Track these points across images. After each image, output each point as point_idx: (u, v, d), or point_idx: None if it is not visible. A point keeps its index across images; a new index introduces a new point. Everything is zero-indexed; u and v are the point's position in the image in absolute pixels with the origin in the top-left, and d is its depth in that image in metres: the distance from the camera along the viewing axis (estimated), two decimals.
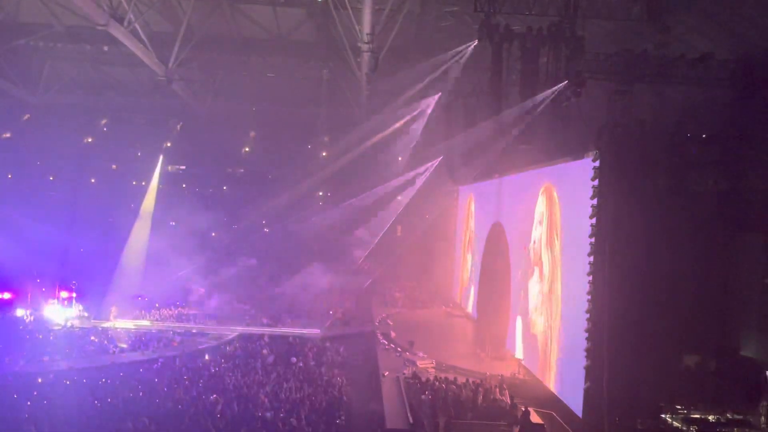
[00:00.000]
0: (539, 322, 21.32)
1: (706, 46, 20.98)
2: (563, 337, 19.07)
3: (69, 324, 29.29)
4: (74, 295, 32.12)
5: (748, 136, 17.68)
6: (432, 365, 23.85)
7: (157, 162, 41.19)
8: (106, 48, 32.56)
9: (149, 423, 17.25)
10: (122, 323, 29.93)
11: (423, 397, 19.49)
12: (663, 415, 16.78)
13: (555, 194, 20.41)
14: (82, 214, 40.39)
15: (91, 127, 42.61)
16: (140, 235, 37.70)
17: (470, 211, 36.67)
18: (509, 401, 18.97)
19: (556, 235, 19.82)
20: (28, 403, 18.81)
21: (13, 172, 41.94)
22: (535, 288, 21.92)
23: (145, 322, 30.52)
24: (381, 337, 27.95)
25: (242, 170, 43.98)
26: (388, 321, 31.74)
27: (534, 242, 22.18)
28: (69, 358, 24.48)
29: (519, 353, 22.99)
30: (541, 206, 21.60)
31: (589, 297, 17.08)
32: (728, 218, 17.15)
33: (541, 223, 21.52)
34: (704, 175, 17.46)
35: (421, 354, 25.10)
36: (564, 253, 19.25)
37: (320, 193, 43.82)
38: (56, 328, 28.73)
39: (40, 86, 38.25)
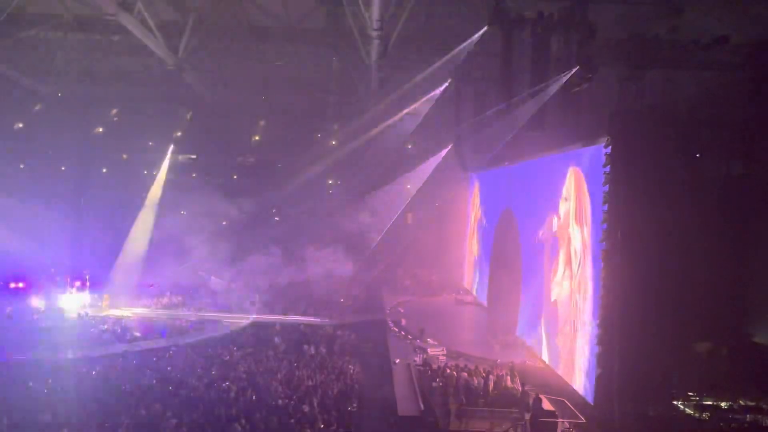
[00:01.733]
0: (565, 304, 21.05)
1: (720, 30, 20.64)
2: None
3: (82, 313, 29.57)
4: (87, 284, 32.47)
5: (762, 121, 17.47)
6: (443, 352, 23.94)
7: (167, 151, 41.32)
8: (116, 38, 32.53)
9: (163, 410, 17.43)
10: (116, 312, 30.04)
11: (434, 384, 19.59)
12: (675, 402, 16.76)
13: (582, 176, 20.11)
14: (93, 204, 40.67)
15: (101, 117, 42.73)
16: (144, 223, 37.86)
17: (477, 197, 36.61)
18: (520, 388, 19.00)
19: (585, 214, 19.51)
20: (44, 390, 19.06)
21: (25, 162, 42.23)
22: (561, 269, 21.61)
23: (141, 310, 30.56)
24: (392, 325, 28.06)
25: (252, 159, 43.98)
26: (399, 309, 31.87)
27: (560, 218, 21.90)
28: (83, 347, 24.74)
29: (544, 354, 22.72)
30: (569, 183, 21.21)
31: (601, 283, 17.04)
32: (742, 204, 17.00)
33: (567, 199, 21.18)
34: (718, 161, 17.31)
35: (431, 341, 25.18)
36: (592, 235, 18.91)
37: (330, 181, 43.83)
38: (70, 316, 29.00)
39: (52, 76, 38.35)
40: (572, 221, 20.55)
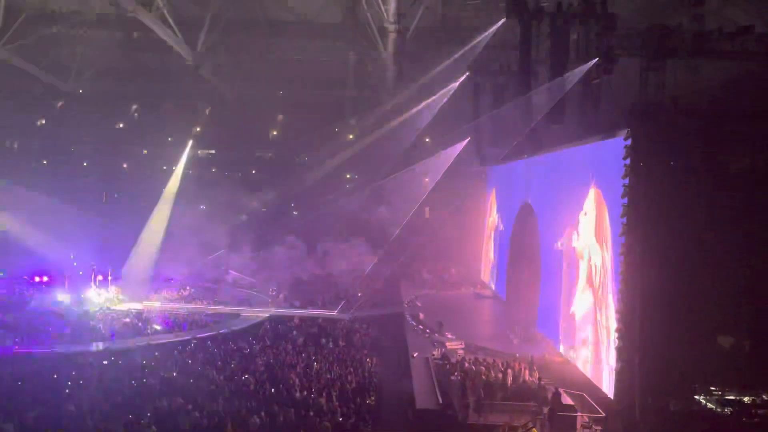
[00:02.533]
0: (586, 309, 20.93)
1: (743, 19, 20.28)
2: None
3: (105, 306, 29.97)
4: (110, 278, 32.90)
5: None
6: (461, 346, 23.89)
7: (185, 146, 41.74)
8: (135, 34, 32.91)
9: (184, 402, 17.64)
10: (137, 305, 30.37)
11: (452, 377, 19.56)
12: (696, 397, 16.56)
13: (602, 196, 19.85)
14: (115, 199, 41.22)
15: (122, 113, 43.24)
16: (160, 217, 38.27)
17: (494, 204, 36.44)
18: (539, 382, 18.92)
19: (605, 239, 19.36)
20: (68, 382, 19.38)
21: (48, 158, 42.86)
22: (582, 283, 21.44)
23: (162, 304, 30.76)
24: (410, 319, 28.06)
25: (270, 153, 44.19)
26: (417, 302, 31.84)
27: (578, 234, 21.73)
28: (106, 340, 25.11)
29: (563, 348, 22.54)
30: (589, 202, 21.02)
31: (621, 277, 16.89)
32: (765, 198, 16.69)
33: (587, 214, 21.04)
34: (740, 153, 17.01)
35: (450, 335, 25.15)
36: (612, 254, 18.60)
37: (348, 176, 43.91)
38: (93, 310, 29.41)
39: (73, 74, 38.89)
40: (593, 237, 20.31)
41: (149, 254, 35.60)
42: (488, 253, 37.64)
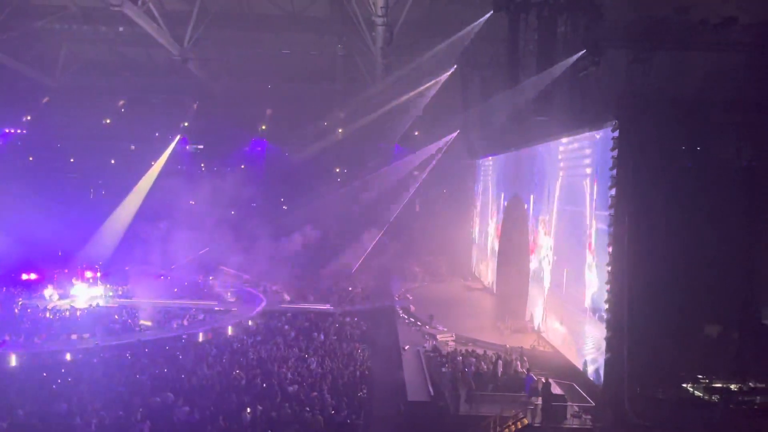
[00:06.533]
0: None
1: (728, 11, 20.39)
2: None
3: (94, 303, 29.81)
4: (99, 274, 32.72)
5: None
6: (452, 338, 24.02)
7: (173, 141, 41.54)
8: (121, 29, 32.64)
9: (176, 398, 17.62)
10: (119, 301, 30.23)
11: (444, 369, 19.68)
12: (684, 385, 16.77)
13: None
14: (102, 195, 40.94)
15: (109, 109, 42.87)
16: (126, 210, 38.23)
17: (485, 183, 36.53)
18: (529, 373, 19.06)
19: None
20: (58, 380, 19.29)
21: (34, 154, 42.45)
22: (571, 273, 21.56)
23: (152, 300, 30.36)
24: (401, 312, 28.14)
25: (259, 148, 44.02)
26: (408, 296, 31.92)
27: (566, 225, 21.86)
28: (95, 336, 24.99)
29: (553, 338, 22.65)
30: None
31: (609, 268, 17.03)
32: (751, 187, 16.88)
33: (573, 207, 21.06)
34: (727, 144, 17.18)
35: (440, 327, 25.27)
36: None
37: (337, 170, 43.85)
38: (82, 307, 29.25)
39: (58, 68, 38.52)
40: (580, 229, 20.45)
41: (107, 243, 35.75)
42: (479, 237, 37.74)
